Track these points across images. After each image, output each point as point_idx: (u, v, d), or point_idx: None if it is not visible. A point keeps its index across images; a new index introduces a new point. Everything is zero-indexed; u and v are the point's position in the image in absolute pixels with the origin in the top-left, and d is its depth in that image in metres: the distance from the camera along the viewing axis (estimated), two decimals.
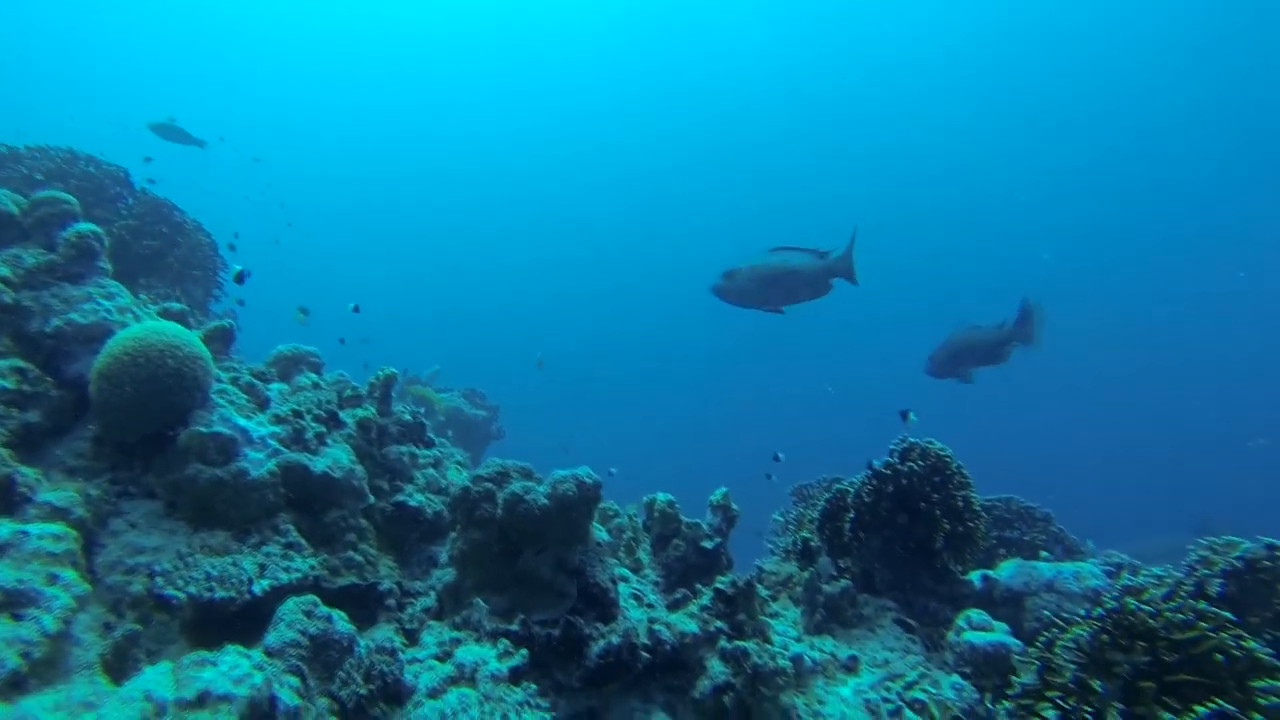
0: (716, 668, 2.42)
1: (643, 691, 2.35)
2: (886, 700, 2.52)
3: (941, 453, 3.03)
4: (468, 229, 32.00)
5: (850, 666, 2.72)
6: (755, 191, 29.54)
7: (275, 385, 2.98)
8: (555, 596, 2.38)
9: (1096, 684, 1.90)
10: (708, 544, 3.24)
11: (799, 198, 28.66)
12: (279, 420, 2.64)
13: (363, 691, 1.87)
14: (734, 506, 3.46)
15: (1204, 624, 1.83)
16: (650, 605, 2.68)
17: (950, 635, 2.68)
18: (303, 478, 2.52)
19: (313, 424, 2.68)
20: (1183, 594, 2.48)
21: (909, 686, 2.50)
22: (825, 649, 2.78)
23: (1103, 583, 2.88)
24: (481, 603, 2.39)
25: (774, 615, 2.97)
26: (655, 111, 28.82)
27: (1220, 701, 1.67)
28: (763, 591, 3.17)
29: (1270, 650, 1.79)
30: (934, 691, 2.45)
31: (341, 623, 2.01)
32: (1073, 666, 1.95)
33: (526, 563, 2.42)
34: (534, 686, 2.07)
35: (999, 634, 2.57)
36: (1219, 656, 1.78)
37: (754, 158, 29.26)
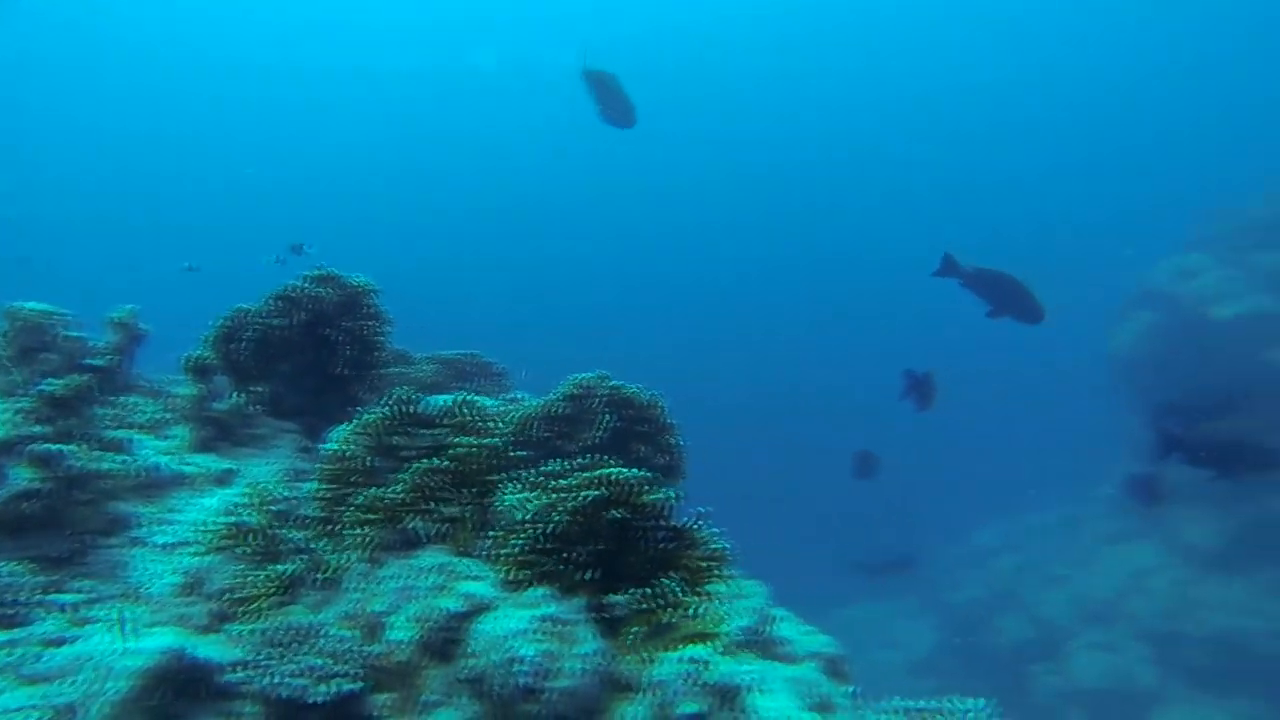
0: (23, 474, 2.19)
1: None
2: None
3: (360, 285, 3.14)
4: None
5: (223, 480, 2.72)
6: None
7: None
8: None
9: (378, 462, 2.20)
10: (97, 361, 2.90)
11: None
12: None
13: None
14: (141, 326, 3.15)
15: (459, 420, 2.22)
16: None
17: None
18: None
19: None
20: (536, 413, 2.99)
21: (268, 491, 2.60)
22: (199, 463, 2.74)
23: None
24: None
25: (152, 429, 2.82)
26: None
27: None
28: (149, 410, 2.97)
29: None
30: (285, 494, 2.60)
31: None
32: (365, 450, 2.22)
33: None
34: None
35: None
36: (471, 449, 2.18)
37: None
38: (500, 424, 2.75)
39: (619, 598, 1.73)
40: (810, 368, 21.58)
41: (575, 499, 1.72)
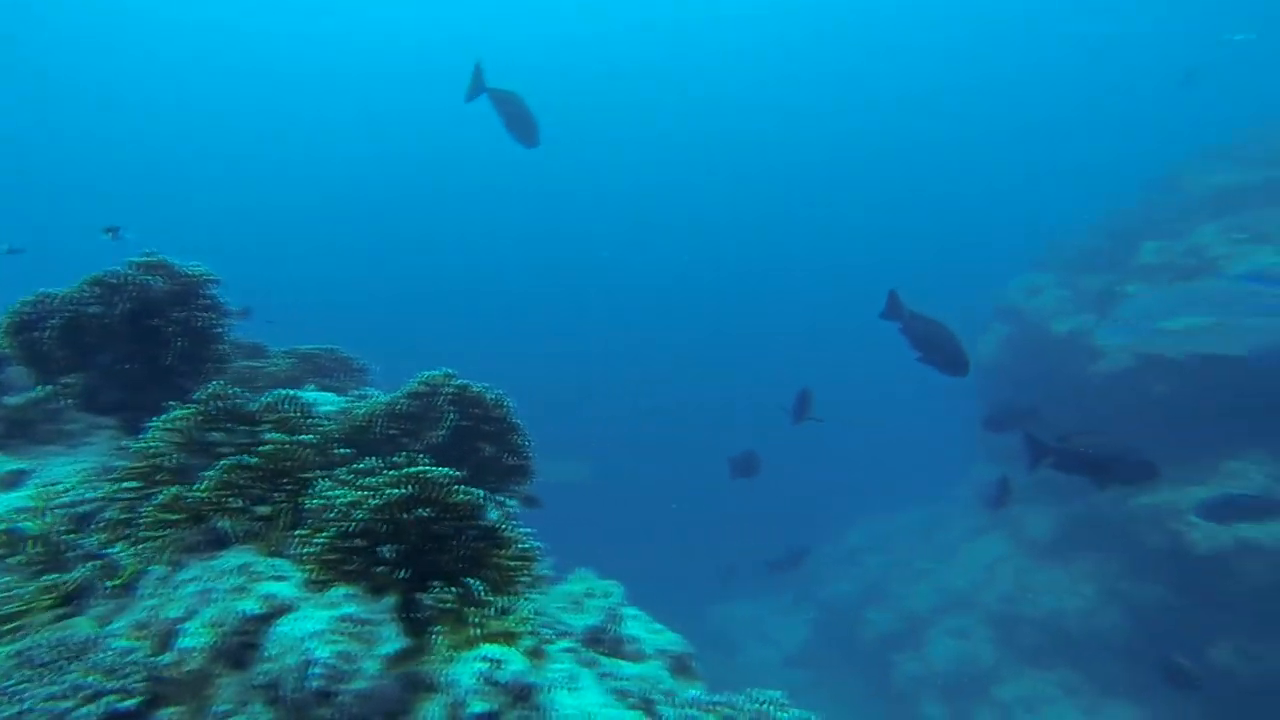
0: None
1: None
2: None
3: (195, 274, 2.96)
4: None
5: (11, 482, 2.50)
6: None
7: None
8: None
9: (191, 460, 2.07)
10: None
11: None
12: None
13: None
14: None
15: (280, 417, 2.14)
16: None
17: None
18: None
19: None
20: (380, 410, 2.91)
21: (61, 494, 2.40)
22: None
23: (334, 408, 3.26)
24: None
25: None
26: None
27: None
28: None
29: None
30: (90, 495, 2.42)
31: None
32: (174, 447, 2.09)
33: None
34: None
35: None
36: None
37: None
38: (331, 421, 2.67)
39: (427, 597, 1.71)
40: (697, 380, 22.09)
41: (380, 497, 1.69)
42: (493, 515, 1.82)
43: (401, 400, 2.96)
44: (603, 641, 2.83)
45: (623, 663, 2.58)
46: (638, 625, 3.13)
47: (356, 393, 3.67)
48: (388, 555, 1.75)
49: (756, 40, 27.27)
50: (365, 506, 1.67)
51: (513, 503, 3.80)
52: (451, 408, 2.94)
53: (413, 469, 1.77)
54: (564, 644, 2.35)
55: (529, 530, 1.87)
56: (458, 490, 1.76)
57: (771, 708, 1.58)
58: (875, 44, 26.86)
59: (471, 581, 1.67)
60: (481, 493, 1.80)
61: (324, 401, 3.43)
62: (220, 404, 2.10)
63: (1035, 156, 27.09)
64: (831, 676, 11.22)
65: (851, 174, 29.34)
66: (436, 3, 26.73)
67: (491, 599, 1.65)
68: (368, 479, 1.79)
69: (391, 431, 2.88)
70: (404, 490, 1.70)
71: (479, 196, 28.75)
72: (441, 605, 1.66)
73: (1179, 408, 7.85)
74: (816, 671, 11.39)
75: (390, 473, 1.77)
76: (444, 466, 2.92)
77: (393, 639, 1.61)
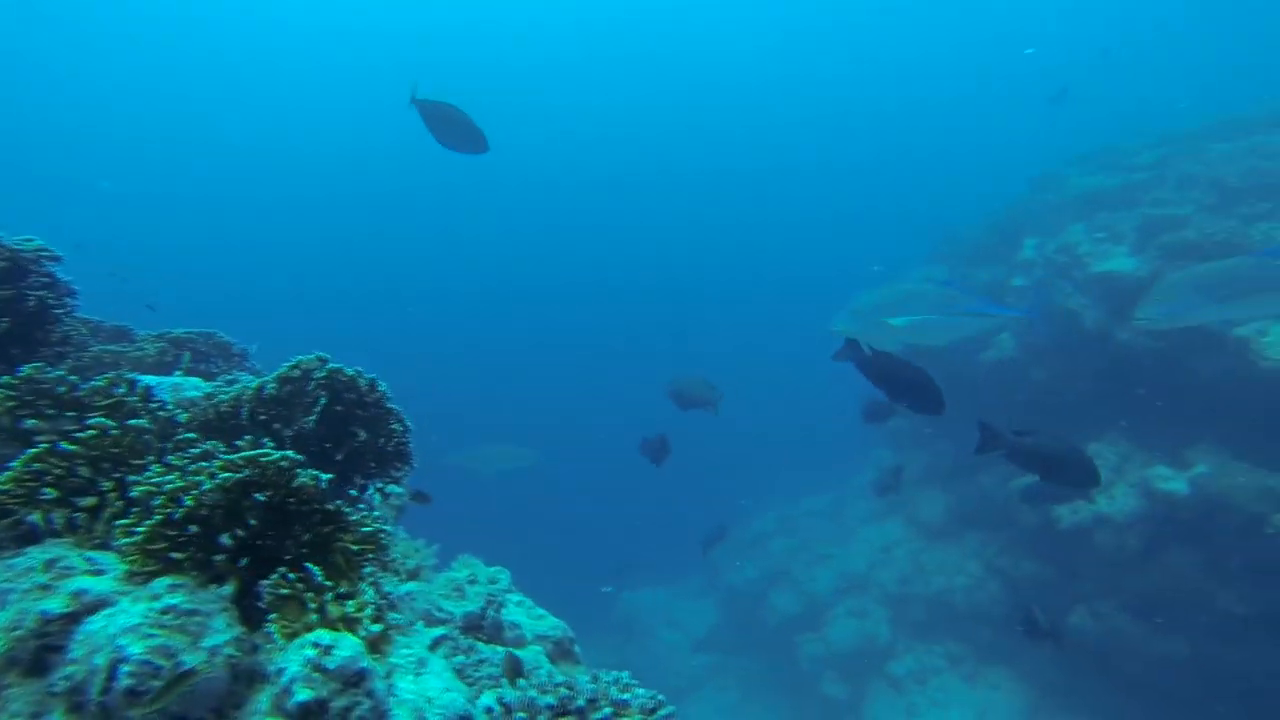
0: None
1: None
2: None
3: (26, 249, 2.71)
4: None
5: None
6: None
7: None
8: None
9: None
10: None
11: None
12: None
13: None
14: None
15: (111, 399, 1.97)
16: None
17: None
18: None
19: None
20: (248, 395, 2.74)
21: None
22: None
23: (199, 394, 3.06)
24: None
25: None
26: None
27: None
28: None
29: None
30: None
31: None
32: None
33: None
34: None
35: None
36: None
37: None
38: (193, 407, 2.50)
39: (265, 584, 1.61)
40: (618, 371, 22.23)
41: (213, 481, 1.58)
42: (368, 505, 1.73)
43: (271, 384, 2.80)
44: (481, 628, 2.78)
45: (496, 647, 2.53)
46: (520, 611, 3.09)
47: (227, 378, 3.45)
48: (226, 543, 1.65)
49: (661, 42, 27.74)
50: (195, 491, 1.55)
51: (397, 490, 3.70)
52: (323, 392, 2.82)
53: (250, 452, 1.66)
54: (438, 631, 2.29)
55: (376, 514, 1.79)
56: (299, 473, 1.67)
57: (613, 688, 1.57)
58: (792, 42, 27.70)
59: (311, 567, 1.58)
60: (326, 476, 1.71)
61: (187, 386, 3.22)
62: (36, 387, 1.92)
63: (939, 155, 28.54)
64: (738, 660, 11.49)
65: (770, 166, 30.11)
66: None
67: (332, 584, 1.57)
68: (201, 463, 1.66)
69: (261, 417, 2.73)
70: (240, 474, 1.59)
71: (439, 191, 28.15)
72: (280, 592, 1.57)
73: (1057, 393, 8.41)
74: (723, 655, 11.63)
75: (226, 456, 1.66)
76: (314, 452, 2.80)
77: (223, 630, 1.50)
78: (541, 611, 3.07)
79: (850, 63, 28.46)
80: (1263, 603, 6.51)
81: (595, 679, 1.64)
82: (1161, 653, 6.93)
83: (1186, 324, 4.78)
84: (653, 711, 1.52)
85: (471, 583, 3.11)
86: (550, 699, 1.50)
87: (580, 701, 1.52)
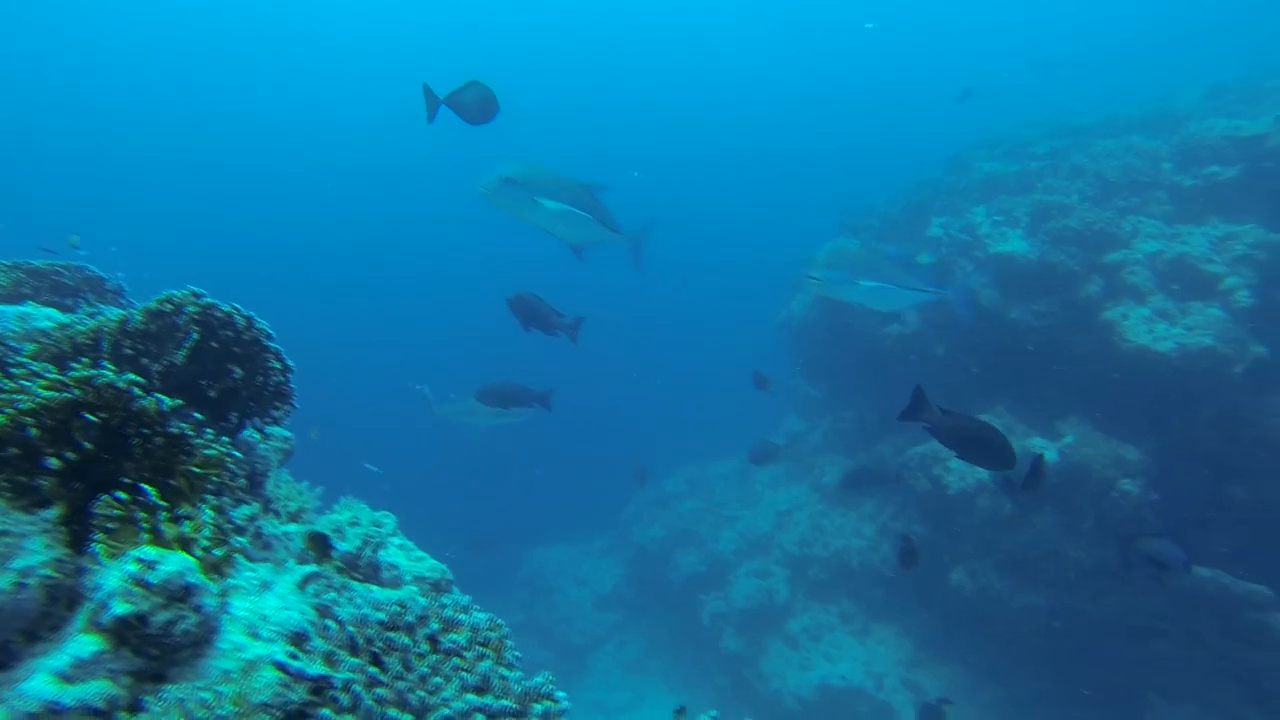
0: None
1: None
2: None
3: None
4: None
5: None
6: None
7: None
8: None
9: None
10: None
11: None
12: None
13: None
14: None
15: None
16: None
17: None
18: None
19: None
20: (111, 326, 2.61)
21: None
22: None
23: (53, 324, 2.88)
24: None
25: None
26: None
27: None
28: None
29: None
30: None
31: None
32: None
33: None
34: None
35: None
36: None
37: None
38: (24, 338, 2.36)
39: (97, 506, 1.56)
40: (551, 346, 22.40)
41: (34, 401, 1.50)
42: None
43: (138, 317, 2.68)
44: (357, 568, 2.77)
45: (371, 586, 2.54)
46: (400, 554, 3.09)
47: (89, 310, 3.26)
48: (53, 465, 1.58)
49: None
50: (10, 409, 1.48)
51: (283, 433, 3.60)
52: (195, 328, 2.71)
53: (83, 372, 1.58)
54: (310, 568, 2.27)
55: (217, 437, 1.75)
56: (140, 396, 1.61)
57: (449, 609, 1.61)
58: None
59: (145, 487, 1.54)
60: (169, 400, 1.66)
61: (39, 317, 3.03)
62: None
63: (855, 134, 29.35)
64: (642, 617, 11.80)
65: (693, 145, 30.35)
66: None
67: (168, 505, 1.53)
68: (24, 382, 1.58)
69: (126, 351, 2.61)
70: (65, 394, 1.52)
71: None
72: (110, 513, 1.52)
73: (954, 367, 8.87)
74: (628, 613, 11.92)
75: (54, 376, 1.58)
76: (186, 388, 2.69)
77: (39, 551, 1.45)
78: (421, 554, 3.08)
79: (791, 50, 28.85)
80: (1106, 557, 7.16)
81: (435, 601, 1.67)
82: (1024, 605, 7.53)
83: (834, 294, 5.19)
84: (489, 634, 1.57)
85: (353, 525, 3.08)
86: (382, 615, 1.52)
87: (410, 618, 1.54)
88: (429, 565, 3.08)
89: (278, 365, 2.86)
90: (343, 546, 2.85)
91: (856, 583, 9.63)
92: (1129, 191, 8.39)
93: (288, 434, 3.72)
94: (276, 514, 2.92)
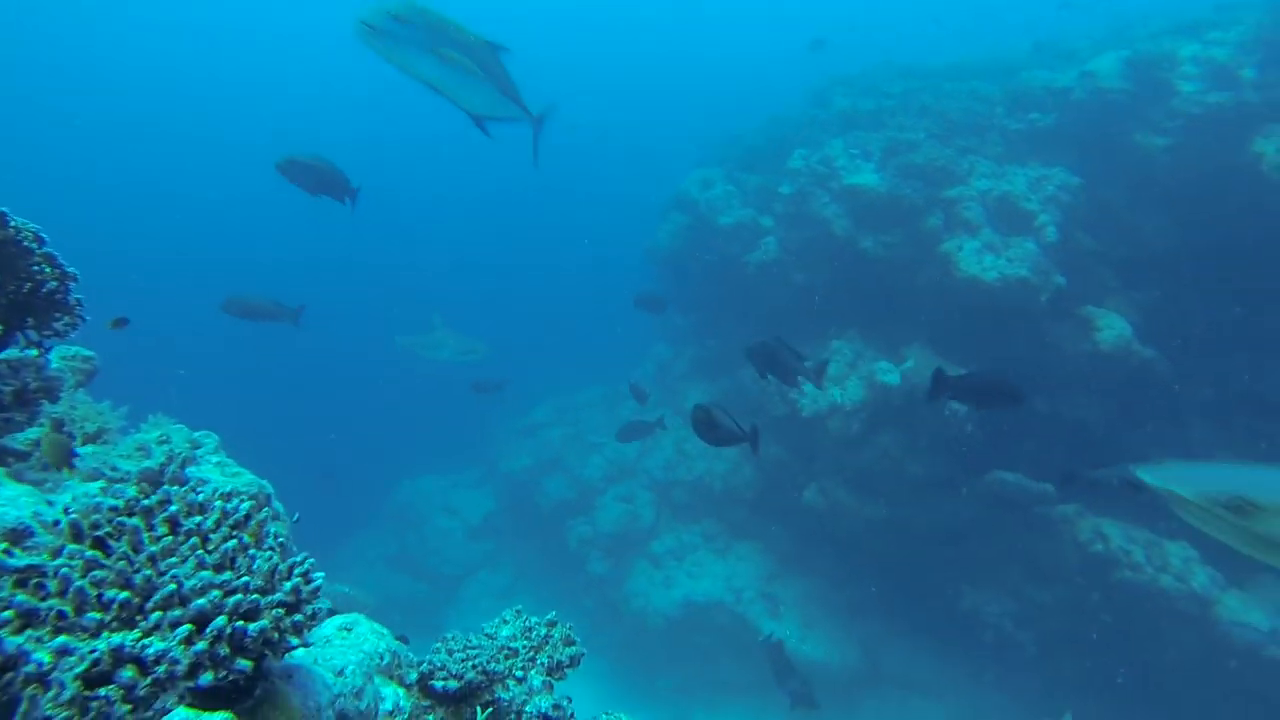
0: None
1: None
2: None
3: None
4: None
5: None
6: None
7: None
8: None
9: None
10: None
11: None
12: None
13: None
14: None
15: None
16: None
17: None
18: None
19: None
20: None
21: None
22: None
23: None
24: None
25: None
26: None
27: None
28: None
29: None
30: None
31: None
32: None
33: None
34: None
35: None
36: None
37: None
38: None
39: None
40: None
41: None
42: None
43: None
44: (161, 484, 2.52)
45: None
46: (215, 470, 2.85)
47: None
48: None
49: None
50: None
51: (84, 351, 3.20)
52: None
53: None
54: (98, 484, 2.04)
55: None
56: None
57: (192, 492, 1.47)
58: None
59: None
60: None
61: None
62: None
63: (719, 69, 29.51)
64: (513, 545, 11.83)
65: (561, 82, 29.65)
66: None
67: None
68: None
69: None
70: None
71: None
72: None
73: (811, 294, 9.23)
74: (499, 541, 11.91)
75: None
76: None
77: None
78: (239, 469, 2.84)
79: None
80: (938, 469, 7.88)
81: (185, 488, 1.51)
82: (868, 517, 8.19)
83: (393, 58, 3.70)
84: (244, 518, 1.44)
85: (162, 443, 2.81)
86: (115, 502, 1.38)
87: (149, 501, 1.41)
88: (246, 480, 2.85)
89: (49, 270, 2.43)
90: (145, 464, 2.60)
91: (719, 504, 10.08)
92: (969, 132, 8.93)
93: (89, 353, 3.29)
94: (72, 435, 2.63)
